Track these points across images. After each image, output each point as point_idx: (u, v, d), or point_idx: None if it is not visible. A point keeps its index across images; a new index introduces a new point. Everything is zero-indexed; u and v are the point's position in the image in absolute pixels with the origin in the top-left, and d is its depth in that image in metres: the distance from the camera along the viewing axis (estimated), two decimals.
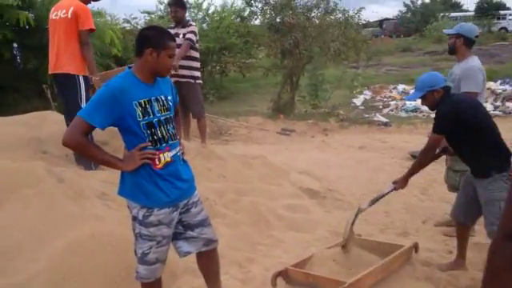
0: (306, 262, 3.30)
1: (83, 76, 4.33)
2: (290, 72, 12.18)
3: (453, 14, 36.80)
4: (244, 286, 3.16)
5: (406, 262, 3.40)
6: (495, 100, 12.75)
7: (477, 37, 4.00)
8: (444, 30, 4.40)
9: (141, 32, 2.39)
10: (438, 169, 6.32)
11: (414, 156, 6.98)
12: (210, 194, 4.31)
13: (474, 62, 3.91)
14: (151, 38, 2.27)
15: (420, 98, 3.25)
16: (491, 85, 12.87)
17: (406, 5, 43.81)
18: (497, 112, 11.48)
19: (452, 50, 4.04)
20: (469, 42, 3.94)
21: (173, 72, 4.87)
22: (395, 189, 3.48)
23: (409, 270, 3.34)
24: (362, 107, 13.37)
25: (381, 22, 38.97)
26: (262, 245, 3.83)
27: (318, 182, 5.47)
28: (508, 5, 41.25)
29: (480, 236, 3.92)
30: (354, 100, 14.30)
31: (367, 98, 14.97)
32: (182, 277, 3.30)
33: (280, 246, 3.86)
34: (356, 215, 3.42)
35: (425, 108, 12.26)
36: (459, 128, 3.09)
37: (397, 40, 32.99)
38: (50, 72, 4.48)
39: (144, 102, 2.26)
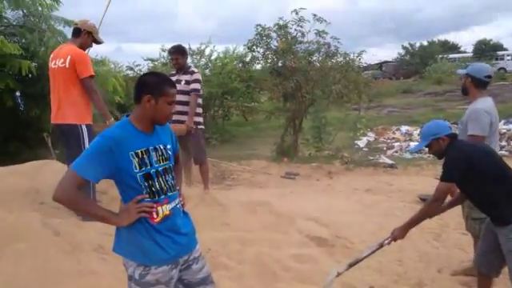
0: None
1: (86, 124, 4.26)
2: (293, 115, 12.17)
3: (451, 56, 37.49)
4: None
5: None
6: (500, 140, 12.65)
7: (490, 77, 3.88)
8: (458, 71, 4.32)
9: (140, 78, 2.28)
10: (449, 212, 6.13)
11: (423, 199, 6.78)
12: (212, 244, 4.11)
13: (481, 103, 3.78)
14: (149, 84, 2.17)
15: (426, 147, 3.14)
16: None
17: (404, 47, 44.72)
18: (503, 152, 11.34)
19: (464, 91, 3.95)
20: (478, 83, 3.83)
21: (174, 118, 4.80)
22: (393, 240, 3.27)
23: None
24: (366, 149, 13.28)
25: (380, 65, 39.71)
26: None
27: (326, 229, 5.25)
28: (505, 45, 42.02)
29: (500, 285, 3.69)
30: (358, 142, 14.22)
31: (370, 139, 14.91)
32: None
33: None
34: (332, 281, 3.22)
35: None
36: (470, 175, 2.95)
37: (397, 82, 33.40)
38: (52, 122, 4.42)
39: (141, 152, 2.13)
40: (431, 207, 3.11)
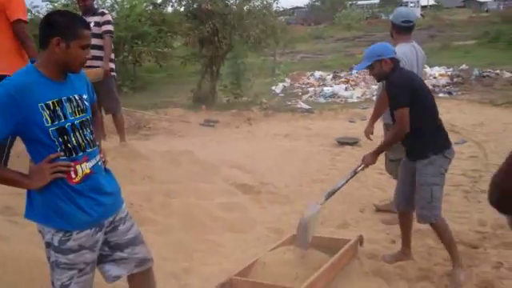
0: (250, 269, 3.02)
1: None
2: (210, 61, 11.80)
3: (360, 2, 38.64)
4: None
5: (352, 257, 3.25)
6: None
7: (408, 22, 3.91)
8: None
9: (46, 18, 1.91)
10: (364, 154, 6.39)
11: (341, 143, 7.00)
12: (135, 199, 3.87)
13: (398, 48, 3.78)
14: (58, 25, 1.83)
15: (367, 67, 3.09)
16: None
17: None
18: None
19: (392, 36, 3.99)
20: (398, 28, 3.93)
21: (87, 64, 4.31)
22: (366, 166, 3.27)
23: (356, 265, 3.20)
24: (282, 95, 13.37)
25: (293, 11, 39.85)
26: (198, 251, 3.48)
27: (251, 176, 5.22)
28: None
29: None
30: (274, 88, 14.27)
31: (286, 85, 15.03)
32: None
33: (218, 250, 3.55)
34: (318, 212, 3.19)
35: (342, 94, 12.84)
36: (411, 103, 2.98)
37: (308, 28, 33.79)
38: None
39: (53, 103, 1.83)
40: (397, 135, 3.09)
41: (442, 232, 3.05)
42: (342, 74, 16.15)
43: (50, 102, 1.83)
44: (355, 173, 3.26)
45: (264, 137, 8.00)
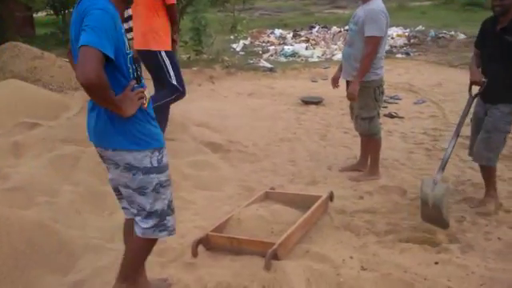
0: (225, 225, 3.05)
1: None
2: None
3: None
4: (160, 259, 2.82)
5: (324, 213, 3.35)
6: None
7: None
8: None
9: None
10: (329, 113, 6.49)
11: (305, 102, 7.05)
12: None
13: (376, 4, 3.82)
14: None
15: None
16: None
17: None
18: None
19: None
20: None
21: None
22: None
23: (327, 220, 3.29)
24: (243, 53, 13.19)
25: None
26: None
27: (219, 135, 5.19)
28: None
29: (384, 179, 4.06)
30: (234, 45, 14.04)
31: (246, 43, 14.81)
32: (82, 257, 2.86)
33: (191, 208, 3.55)
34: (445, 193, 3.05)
35: (303, 53, 12.81)
36: None
37: None
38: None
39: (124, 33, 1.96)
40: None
41: (492, 175, 3.37)
42: (302, 33, 16.09)
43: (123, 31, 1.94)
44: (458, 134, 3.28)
45: (228, 95, 7.92)
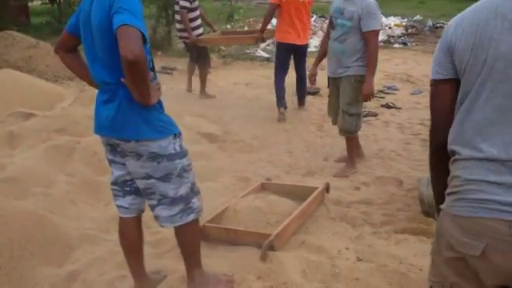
0: (221, 216, 3.05)
1: None
2: (165, 3, 11.23)
3: None
4: (156, 250, 2.82)
5: (320, 204, 3.35)
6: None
7: None
8: None
9: None
10: (326, 104, 6.45)
11: (309, 93, 7.00)
12: (97, 148, 3.75)
13: None
14: None
15: None
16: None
17: None
18: None
19: None
20: None
21: None
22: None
23: (323, 211, 3.30)
24: None
25: None
26: None
27: (215, 125, 5.17)
28: None
29: (380, 170, 4.06)
30: None
31: None
32: (77, 247, 2.86)
33: None
34: None
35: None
36: None
37: None
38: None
39: None
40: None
41: None
42: None
43: None
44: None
45: (224, 85, 7.88)
